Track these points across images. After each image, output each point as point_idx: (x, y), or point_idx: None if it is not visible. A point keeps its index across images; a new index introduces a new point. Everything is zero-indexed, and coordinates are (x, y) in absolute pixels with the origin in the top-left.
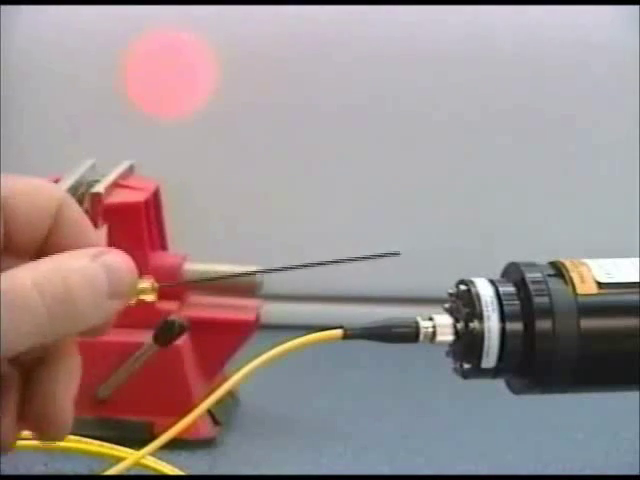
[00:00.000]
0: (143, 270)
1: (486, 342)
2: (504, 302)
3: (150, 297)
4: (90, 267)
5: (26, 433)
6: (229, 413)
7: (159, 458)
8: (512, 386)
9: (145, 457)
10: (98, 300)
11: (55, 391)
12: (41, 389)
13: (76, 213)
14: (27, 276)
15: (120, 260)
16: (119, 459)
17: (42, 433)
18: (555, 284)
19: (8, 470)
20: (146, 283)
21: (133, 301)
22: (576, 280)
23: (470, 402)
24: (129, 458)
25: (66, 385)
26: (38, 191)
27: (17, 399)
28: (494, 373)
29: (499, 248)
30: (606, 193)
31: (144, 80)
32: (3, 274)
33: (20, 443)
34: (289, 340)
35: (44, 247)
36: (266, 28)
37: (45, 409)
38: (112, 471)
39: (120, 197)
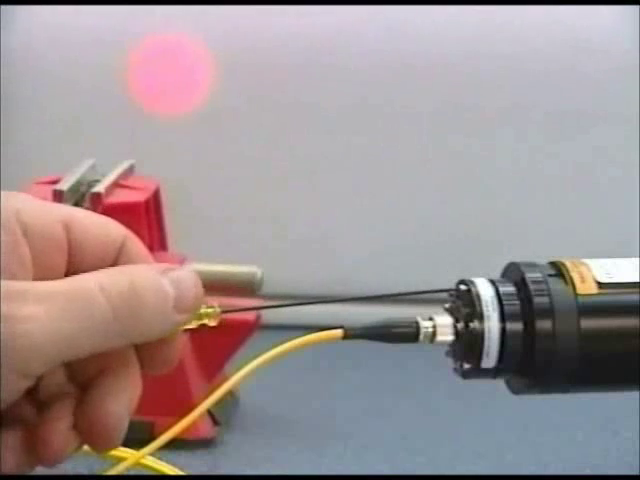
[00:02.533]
0: None
1: (486, 342)
2: (504, 302)
3: (212, 322)
4: (157, 278)
5: None
6: (229, 413)
7: (159, 458)
8: (512, 386)
9: (145, 457)
10: (163, 307)
11: (110, 405)
12: (97, 402)
13: (139, 248)
14: (90, 277)
15: (187, 276)
16: (119, 459)
17: (93, 444)
18: (555, 284)
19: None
20: (210, 308)
21: (195, 325)
22: (576, 280)
23: (470, 402)
24: (129, 458)
25: (121, 400)
26: (106, 226)
27: (73, 409)
28: (494, 373)
29: (499, 248)
30: (606, 193)
31: (144, 80)
32: (68, 277)
33: None
34: (289, 340)
35: None
36: (266, 28)
37: (98, 422)
38: (112, 471)
39: (120, 197)
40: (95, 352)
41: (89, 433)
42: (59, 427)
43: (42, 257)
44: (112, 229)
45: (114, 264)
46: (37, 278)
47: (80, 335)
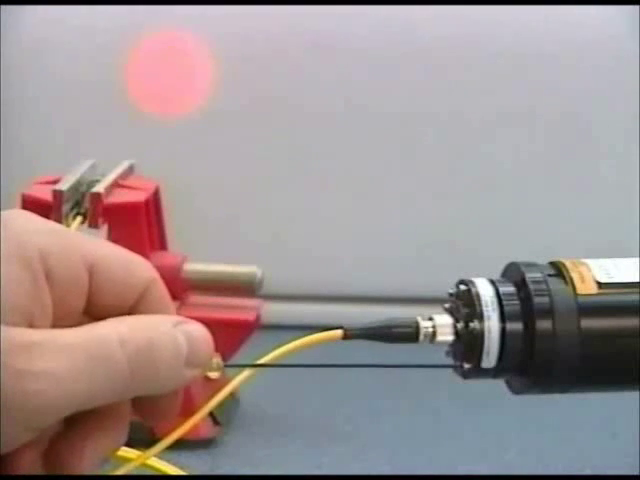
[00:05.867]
0: None
1: (486, 342)
2: (504, 302)
3: (215, 374)
4: (174, 332)
5: None
6: (229, 413)
7: (159, 458)
8: (512, 386)
9: (149, 458)
10: (177, 366)
11: (87, 449)
12: (75, 441)
13: (162, 295)
14: (112, 329)
15: (199, 331)
16: (122, 459)
17: (53, 472)
18: (555, 284)
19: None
20: (212, 360)
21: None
22: (576, 280)
23: (470, 402)
24: (134, 459)
25: (100, 447)
26: (132, 268)
27: (51, 437)
28: (494, 373)
29: (499, 248)
30: (606, 193)
31: (144, 80)
32: (87, 325)
33: None
34: (289, 340)
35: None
36: (266, 28)
37: (68, 459)
38: (115, 472)
39: (120, 197)
40: (105, 404)
41: (56, 466)
42: (31, 456)
43: (62, 301)
44: (137, 272)
45: (133, 307)
46: (55, 320)
47: (95, 391)
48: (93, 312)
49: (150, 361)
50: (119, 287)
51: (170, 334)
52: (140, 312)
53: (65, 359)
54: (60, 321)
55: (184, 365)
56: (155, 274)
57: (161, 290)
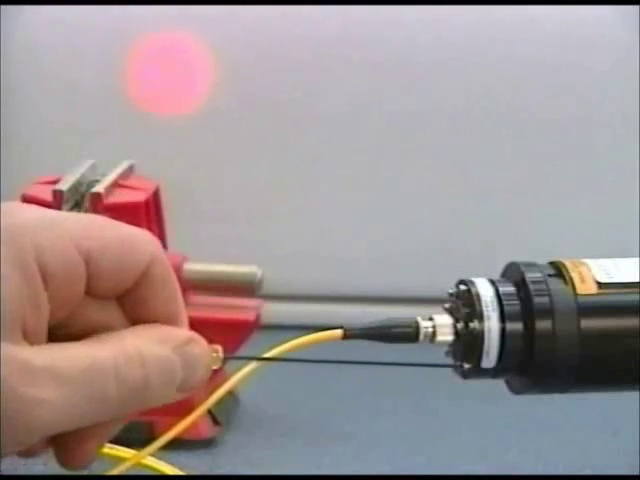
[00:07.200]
0: None
1: (486, 342)
2: (504, 302)
3: (215, 366)
4: (171, 360)
5: None
6: (229, 413)
7: (159, 458)
8: (512, 386)
9: (145, 457)
10: (167, 391)
11: (85, 437)
12: (76, 436)
13: (164, 271)
14: (109, 357)
15: (200, 357)
16: (119, 459)
17: (62, 462)
18: (555, 284)
19: (8, 470)
20: (214, 353)
21: None
22: (576, 280)
23: (470, 402)
24: (130, 459)
25: (97, 436)
26: (130, 248)
27: None
28: (494, 373)
29: (499, 248)
30: (606, 193)
31: (144, 80)
32: (84, 347)
33: None
34: (289, 340)
35: (128, 294)
36: (266, 28)
37: (71, 447)
38: (113, 471)
39: (120, 197)
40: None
41: (61, 453)
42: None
43: (60, 291)
44: (136, 251)
45: (136, 285)
46: (54, 309)
47: (86, 415)
48: (94, 293)
49: (141, 394)
50: (117, 269)
51: (167, 364)
52: (142, 291)
53: (64, 390)
54: (60, 308)
55: (175, 391)
56: (156, 250)
57: (162, 267)
